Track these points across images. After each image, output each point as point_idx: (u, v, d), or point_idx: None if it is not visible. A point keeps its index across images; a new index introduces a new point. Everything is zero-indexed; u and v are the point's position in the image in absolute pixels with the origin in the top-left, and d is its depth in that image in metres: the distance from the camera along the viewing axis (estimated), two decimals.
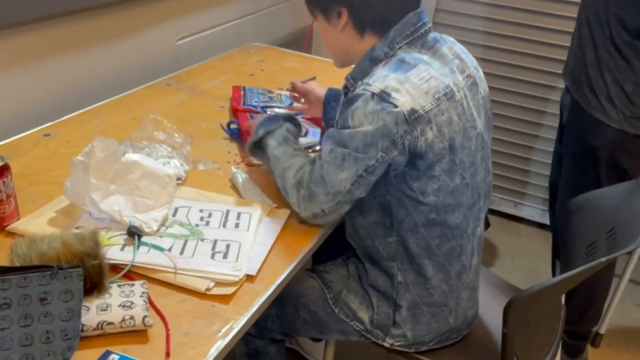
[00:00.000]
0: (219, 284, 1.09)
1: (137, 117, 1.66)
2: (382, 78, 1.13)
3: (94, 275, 0.99)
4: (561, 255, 1.64)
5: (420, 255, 1.22)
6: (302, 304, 1.39)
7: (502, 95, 2.70)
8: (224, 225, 1.25)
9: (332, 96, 1.55)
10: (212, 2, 2.22)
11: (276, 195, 1.35)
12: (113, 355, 0.92)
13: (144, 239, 1.16)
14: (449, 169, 1.16)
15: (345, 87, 1.27)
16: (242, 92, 1.84)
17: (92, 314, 0.96)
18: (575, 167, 1.86)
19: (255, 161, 1.45)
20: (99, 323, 0.95)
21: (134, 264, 1.10)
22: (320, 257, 1.51)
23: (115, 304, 0.98)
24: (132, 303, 0.98)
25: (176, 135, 1.47)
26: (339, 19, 1.21)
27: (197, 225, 1.24)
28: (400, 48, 1.18)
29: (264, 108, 1.75)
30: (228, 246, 1.18)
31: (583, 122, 1.78)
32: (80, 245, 1.00)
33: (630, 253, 2.04)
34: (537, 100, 2.67)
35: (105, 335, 0.96)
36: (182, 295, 1.07)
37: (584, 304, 1.97)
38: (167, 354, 0.94)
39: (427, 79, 1.13)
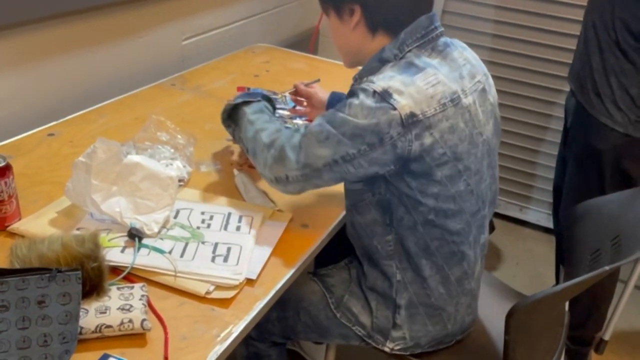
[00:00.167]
0: (219, 287, 1.09)
1: (140, 117, 1.66)
2: (387, 78, 1.12)
3: (93, 278, 0.99)
4: (565, 262, 1.63)
5: (419, 254, 1.21)
6: (304, 307, 1.38)
7: (508, 98, 2.69)
8: (225, 228, 1.24)
9: (335, 100, 1.54)
10: (218, 3, 2.22)
11: (278, 199, 1.34)
12: (111, 359, 0.92)
13: (144, 241, 1.16)
14: (452, 175, 1.15)
15: (352, 86, 1.26)
16: None
17: (91, 316, 0.96)
18: (580, 170, 1.85)
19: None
20: (97, 326, 0.95)
21: (134, 266, 1.10)
22: (323, 260, 1.50)
23: (114, 307, 0.98)
24: (131, 306, 0.98)
25: (179, 136, 1.46)
26: (351, 16, 1.20)
27: (198, 227, 1.24)
28: (410, 51, 1.17)
29: None
30: (229, 249, 1.17)
31: (588, 125, 1.77)
32: (80, 247, 1.00)
33: (635, 260, 2.03)
34: (543, 103, 2.66)
35: (104, 338, 0.96)
36: (181, 299, 1.07)
37: (588, 309, 1.96)
38: (165, 358, 0.94)
39: (434, 83, 1.12)
